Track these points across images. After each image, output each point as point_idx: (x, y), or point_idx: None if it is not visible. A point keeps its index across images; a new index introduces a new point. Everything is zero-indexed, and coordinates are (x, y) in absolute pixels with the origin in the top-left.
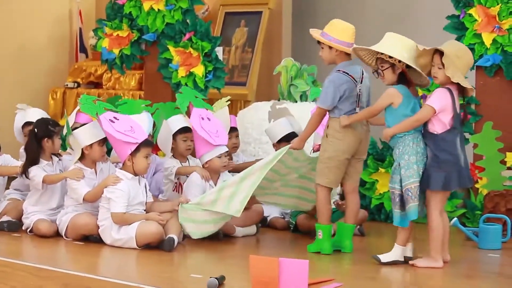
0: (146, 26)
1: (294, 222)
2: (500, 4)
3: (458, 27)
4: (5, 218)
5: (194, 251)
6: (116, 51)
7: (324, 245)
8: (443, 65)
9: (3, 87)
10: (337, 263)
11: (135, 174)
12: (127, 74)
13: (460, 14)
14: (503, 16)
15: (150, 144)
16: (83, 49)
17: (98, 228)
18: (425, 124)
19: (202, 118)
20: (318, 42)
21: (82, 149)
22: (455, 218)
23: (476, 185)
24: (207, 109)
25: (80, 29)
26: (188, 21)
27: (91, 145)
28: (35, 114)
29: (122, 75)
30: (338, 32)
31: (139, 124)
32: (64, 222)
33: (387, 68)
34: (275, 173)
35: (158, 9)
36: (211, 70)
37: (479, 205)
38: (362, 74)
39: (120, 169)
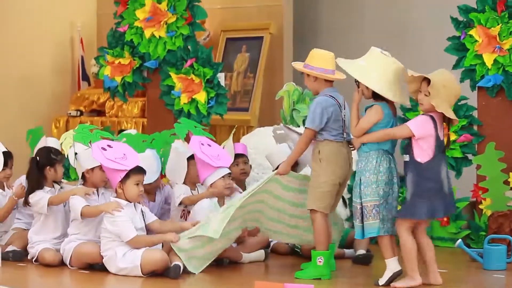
0: (147, 53)
1: (299, 246)
2: (500, 24)
3: (459, 48)
4: (10, 248)
5: (200, 278)
6: (118, 79)
7: (325, 271)
8: (430, 92)
9: (6, 115)
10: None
11: (129, 201)
12: (129, 101)
13: (460, 35)
14: (504, 36)
15: (141, 171)
16: (85, 77)
17: (103, 257)
18: (410, 152)
19: (202, 144)
20: (302, 73)
21: (83, 172)
22: (460, 240)
23: (480, 206)
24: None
25: (82, 57)
26: (189, 47)
27: (92, 169)
28: (52, 142)
29: (124, 102)
30: (318, 61)
31: (134, 152)
32: (68, 251)
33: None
34: (264, 203)
35: (159, 36)
36: (213, 96)
37: (483, 226)
38: (344, 102)
39: (114, 197)
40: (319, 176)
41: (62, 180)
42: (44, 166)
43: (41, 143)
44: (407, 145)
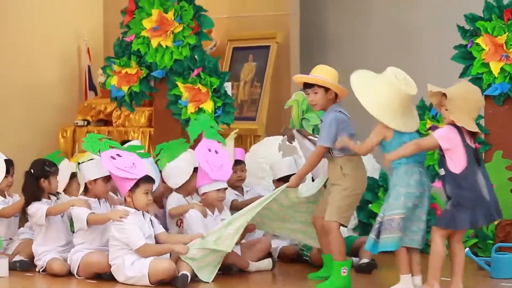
0: (154, 63)
1: (308, 254)
2: (507, 33)
3: (465, 57)
4: (17, 257)
5: (206, 287)
6: (125, 89)
7: (348, 282)
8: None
9: (13, 125)
10: None
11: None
12: (136, 111)
13: (467, 43)
14: (511, 45)
15: (150, 180)
16: (92, 86)
17: (110, 266)
18: (444, 165)
19: (209, 150)
20: (306, 86)
21: (85, 183)
22: (467, 248)
23: None
24: (218, 142)
25: (89, 66)
26: (196, 57)
27: (95, 180)
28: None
29: (131, 112)
30: (328, 74)
31: (142, 162)
32: (76, 261)
33: None
34: (272, 212)
35: (166, 46)
36: (220, 106)
37: (490, 235)
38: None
39: (123, 206)
40: (345, 190)
41: (60, 192)
42: (39, 178)
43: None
44: (441, 159)
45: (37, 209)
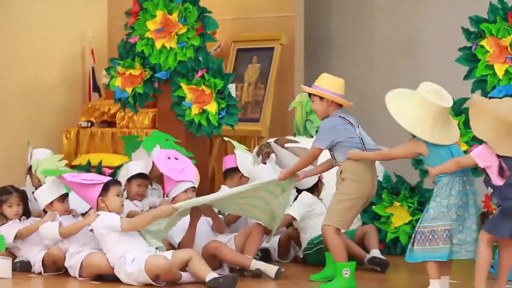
0: (158, 64)
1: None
2: (511, 35)
3: (470, 59)
4: (18, 258)
5: None
6: (129, 90)
7: (351, 284)
8: None
9: (16, 126)
10: None
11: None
12: (140, 112)
13: (472, 45)
14: None
15: (118, 183)
16: (96, 88)
17: (113, 268)
18: (489, 181)
19: (169, 158)
20: (309, 95)
21: (43, 209)
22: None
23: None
24: (177, 150)
25: (93, 68)
26: (200, 58)
27: (51, 203)
28: (38, 154)
29: (135, 113)
30: (329, 84)
31: (100, 175)
32: (76, 264)
33: None
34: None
35: (170, 47)
36: (224, 107)
37: None
38: (357, 122)
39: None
40: (341, 194)
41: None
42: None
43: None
44: (485, 176)
45: (5, 233)
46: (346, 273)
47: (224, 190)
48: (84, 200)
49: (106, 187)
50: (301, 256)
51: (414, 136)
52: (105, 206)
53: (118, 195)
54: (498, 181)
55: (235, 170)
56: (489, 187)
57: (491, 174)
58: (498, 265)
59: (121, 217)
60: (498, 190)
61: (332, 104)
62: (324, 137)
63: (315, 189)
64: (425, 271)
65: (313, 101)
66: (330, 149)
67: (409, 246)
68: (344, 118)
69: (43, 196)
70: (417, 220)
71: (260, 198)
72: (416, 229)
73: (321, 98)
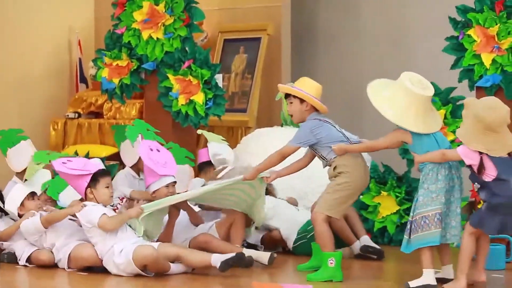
0: (145, 55)
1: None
2: (498, 24)
3: (457, 48)
4: (6, 250)
5: (196, 279)
6: (116, 81)
7: (337, 273)
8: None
9: (3, 118)
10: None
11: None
12: (127, 103)
13: (459, 35)
14: (502, 36)
15: (107, 174)
16: (83, 79)
17: (101, 260)
18: (475, 177)
19: (151, 149)
20: (286, 96)
21: (18, 212)
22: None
23: (479, 206)
24: (158, 142)
25: (80, 59)
26: (187, 49)
27: (22, 203)
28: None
29: (122, 104)
30: (310, 88)
31: (93, 161)
32: (64, 256)
33: None
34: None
35: (157, 38)
36: (211, 98)
37: None
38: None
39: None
40: (338, 185)
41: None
42: None
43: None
44: (471, 172)
45: None
46: (331, 263)
47: (195, 186)
48: (75, 190)
49: (95, 178)
50: (291, 249)
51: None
52: (93, 197)
53: (107, 187)
54: (485, 177)
55: (209, 163)
56: (476, 183)
57: (479, 173)
58: (477, 253)
59: (103, 213)
60: (486, 187)
61: (311, 109)
62: (299, 137)
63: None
64: (414, 260)
65: (291, 103)
66: (316, 151)
67: (405, 237)
68: (320, 119)
69: (11, 203)
70: (404, 210)
71: (240, 190)
72: (409, 219)
73: (302, 101)
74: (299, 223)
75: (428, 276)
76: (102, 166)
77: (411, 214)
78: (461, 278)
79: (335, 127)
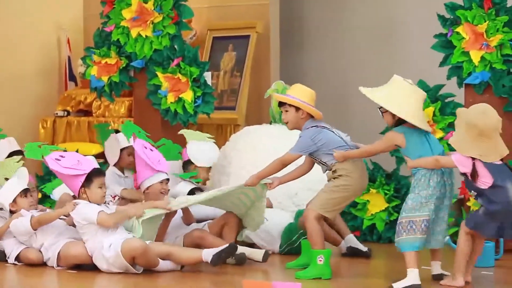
0: (134, 53)
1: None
2: (487, 21)
3: (446, 46)
4: None
5: (187, 276)
6: (105, 79)
7: (326, 271)
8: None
9: None
10: (328, 285)
11: None
12: (116, 101)
13: (447, 32)
14: (491, 33)
15: (102, 174)
16: (72, 77)
17: (91, 257)
18: (471, 185)
19: (145, 147)
20: (280, 104)
21: (9, 209)
22: (448, 237)
23: (468, 203)
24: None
25: (69, 57)
26: (176, 46)
27: (14, 200)
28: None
29: (111, 102)
30: (304, 95)
31: (87, 158)
32: (54, 253)
33: (386, 112)
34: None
35: (146, 36)
36: (200, 95)
37: None
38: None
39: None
40: (336, 186)
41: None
42: None
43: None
44: (466, 180)
45: None
46: (320, 260)
47: (180, 191)
48: (68, 187)
49: (89, 179)
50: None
51: (388, 129)
52: (86, 197)
53: (100, 187)
54: (481, 185)
55: (190, 162)
56: (472, 191)
57: (473, 179)
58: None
59: (101, 210)
60: (483, 194)
61: (306, 116)
62: (301, 145)
63: None
64: (403, 258)
65: (286, 111)
66: (316, 157)
67: (395, 239)
68: (317, 126)
69: (4, 197)
70: (393, 207)
71: (244, 194)
72: (398, 221)
73: (297, 109)
74: (278, 232)
75: (413, 276)
76: (96, 164)
77: (401, 215)
78: (458, 277)
79: (333, 131)
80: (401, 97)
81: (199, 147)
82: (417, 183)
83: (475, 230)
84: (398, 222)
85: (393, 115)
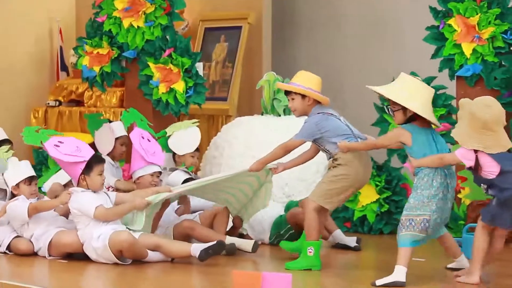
0: (126, 43)
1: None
2: (479, 14)
3: (437, 38)
4: None
5: (176, 268)
6: (96, 69)
7: (315, 262)
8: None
9: None
10: (318, 276)
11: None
12: (108, 91)
13: (439, 24)
14: (483, 26)
15: (102, 161)
16: (64, 67)
17: (82, 245)
18: (480, 178)
19: (142, 137)
20: (287, 93)
21: (11, 191)
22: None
23: (459, 195)
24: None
25: (61, 47)
26: (167, 37)
27: (17, 185)
28: None
29: (103, 92)
30: (309, 82)
31: (85, 144)
32: (45, 242)
33: (398, 110)
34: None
35: (138, 26)
36: (192, 86)
37: (462, 215)
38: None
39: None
40: (335, 176)
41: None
42: None
43: None
44: (474, 174)
45: None
46: (310, 252)
47: (174, 180)
48: (67, 174)
49: (89, 166)
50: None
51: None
52: (86, 184)
53: (100, 174)
54: (489, 175)
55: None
56: (482, 184)
57: (480, 172)
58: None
59: (99, 205)
60: (493, 184)
61: (313, 102)
62: (305, 131)
63: None
64: (394, 250)
65: (292, 99)
66: (321, 145)
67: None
68: (324, 113)
69: (11, 177)
70: (384, 199)
71: (247, 184)
72: (402, 216)
73: (303, 96)
74: (268, 223)
75: (399, 273)
76: (92, 152)
77: (404, 212)
78: (475, 272)
79: (339, 119)
80: (419, 94)
81: (178, 137)
82: (419, 183)
83: (492, 224)
84: (400, 220)
85: (405, 113)
